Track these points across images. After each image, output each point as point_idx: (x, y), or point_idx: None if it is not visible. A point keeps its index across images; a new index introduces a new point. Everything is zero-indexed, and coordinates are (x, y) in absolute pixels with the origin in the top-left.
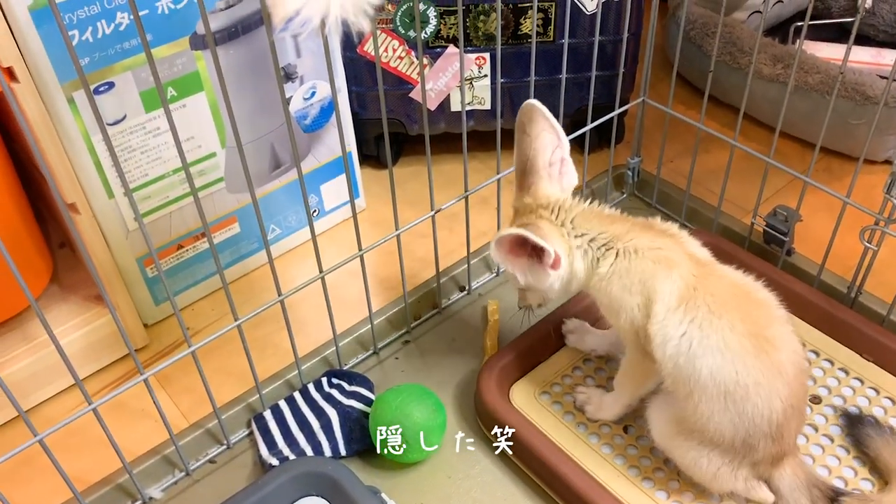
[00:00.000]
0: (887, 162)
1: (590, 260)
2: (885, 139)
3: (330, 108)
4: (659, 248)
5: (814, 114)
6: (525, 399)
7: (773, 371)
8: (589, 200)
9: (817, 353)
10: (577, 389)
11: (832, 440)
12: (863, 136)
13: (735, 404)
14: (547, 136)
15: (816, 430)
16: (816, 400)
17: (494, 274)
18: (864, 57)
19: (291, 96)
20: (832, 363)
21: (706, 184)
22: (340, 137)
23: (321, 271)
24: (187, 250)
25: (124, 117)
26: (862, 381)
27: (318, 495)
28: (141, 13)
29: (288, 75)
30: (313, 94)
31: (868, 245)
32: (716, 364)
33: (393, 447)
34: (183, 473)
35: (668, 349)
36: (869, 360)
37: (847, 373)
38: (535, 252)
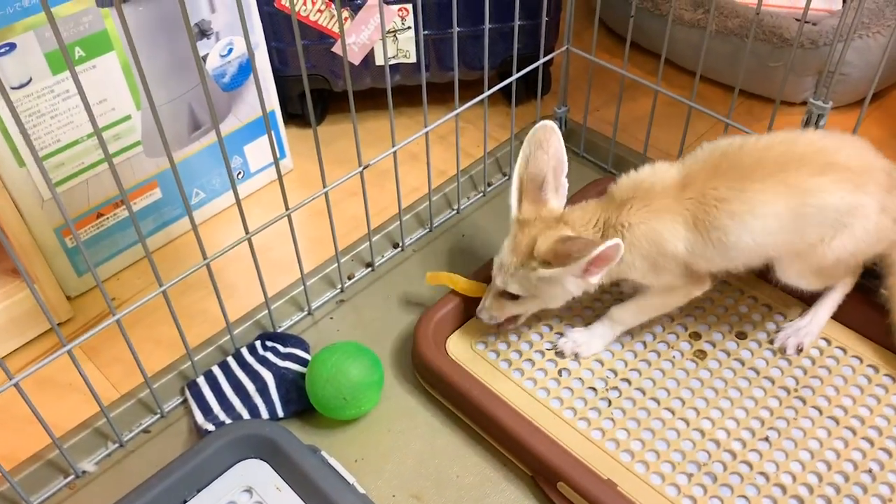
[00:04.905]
0: (804, 103)
1: None
2: (802, 81)
3: (249, 66)
4: (639, 210)
5: (734, 58)
6: (462, 350)
7: (775, 177)
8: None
9: (755, 299)
10: (557, 344)
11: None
12: (781, 78)
13: (789, 220)
14: (561, 156)
15: (804, 402)
16: (780, 349)
17: (427, 230)
18: (781, 0)
19: (207, 54)
20: (770, 308)
21: (632, 131)
22: (259, 96)
23: (247, 233)
24: (108, 218)
25: (30, 80)
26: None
27: (257, 458)
28: None
29: (202, 32)
30: (230, 50)
31: None
32: (748, 231)
33: (331, 404)
34: (116, 445)
35: (720, 262)
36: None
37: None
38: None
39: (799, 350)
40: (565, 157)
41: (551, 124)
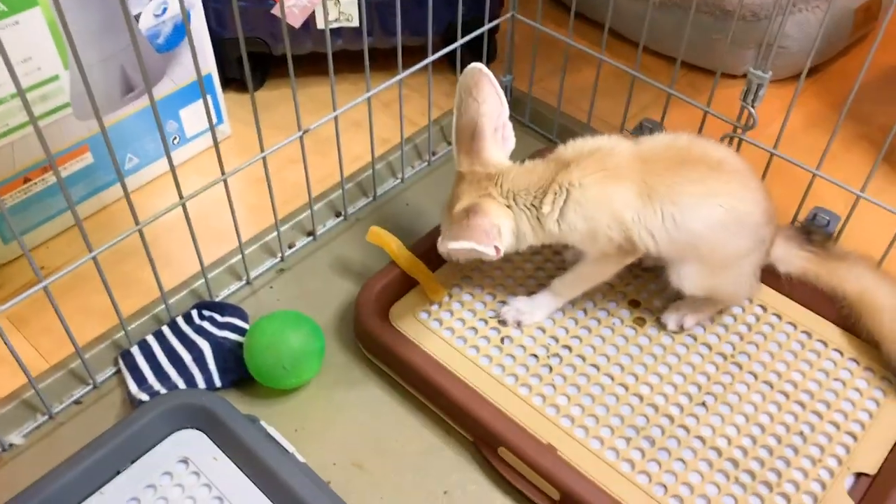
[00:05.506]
0: (745, 76)
1: (534, 216)
2: (743, 53)
3: (184, 26)
4: (594, 172)
5: (678, 29)
6: (404, 319)
7: (737, 180)
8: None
9: None
10: (500, 312)
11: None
12: (723, 50)
13: (735, 224)
14: (493, 101)
15: (740, 367)
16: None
17: (371, 199)
18: None
19: (140, 13)
20: None
21: (577, 102)
22: (194, 59)
23: (181, 198)
24: (36, 183)
25: None
26: None
27: (193, 428)
28: None
29: None
30: (165, 9)
31: None
32: (703, 216)
33: (270, 373)
34: (46, 417)
35: (659, 238)
36: None
37: None
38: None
39: (681, 328)
40: (502, 102)
41: (480, 67)
